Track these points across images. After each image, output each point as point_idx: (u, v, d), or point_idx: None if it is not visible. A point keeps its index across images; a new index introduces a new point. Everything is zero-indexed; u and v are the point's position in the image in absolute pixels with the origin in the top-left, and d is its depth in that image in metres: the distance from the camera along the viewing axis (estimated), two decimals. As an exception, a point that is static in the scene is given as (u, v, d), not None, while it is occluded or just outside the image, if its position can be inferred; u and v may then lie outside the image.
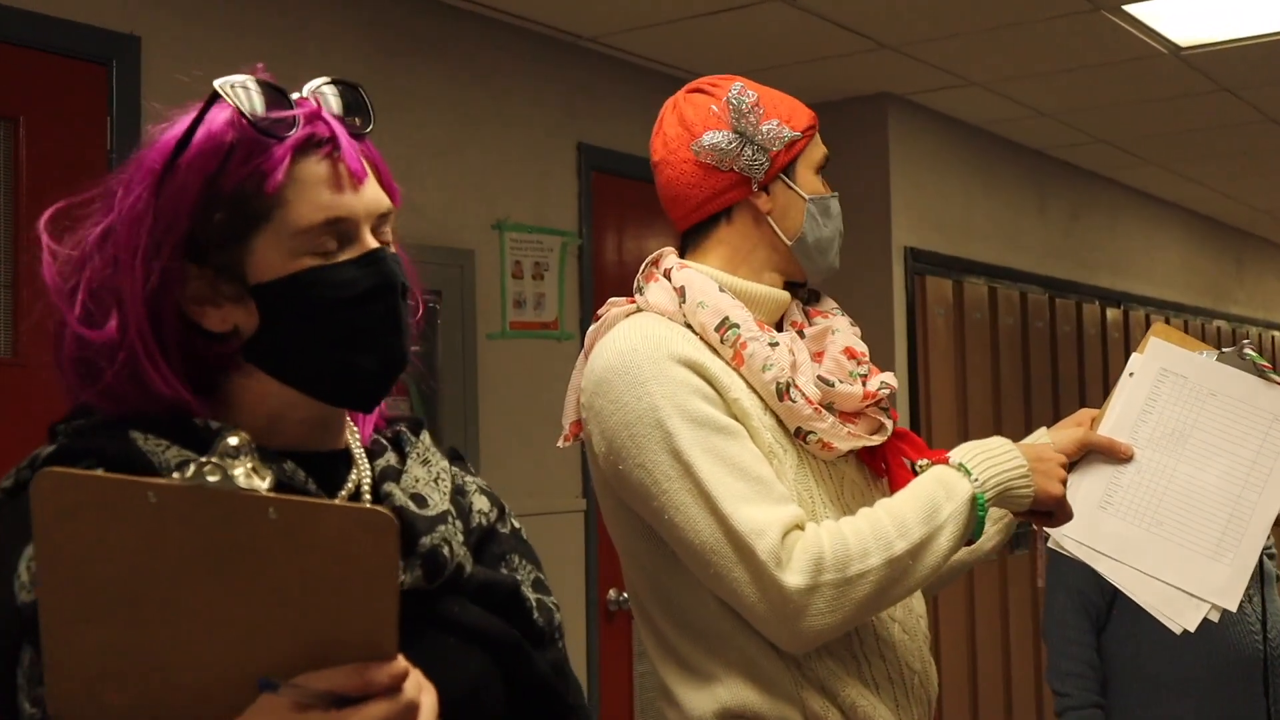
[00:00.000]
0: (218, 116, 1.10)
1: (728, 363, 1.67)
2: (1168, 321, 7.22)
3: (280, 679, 0.90)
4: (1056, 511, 1.70)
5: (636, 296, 1.76)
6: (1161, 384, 1.84)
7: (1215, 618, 1.73)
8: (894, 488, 1.70)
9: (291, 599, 0.90)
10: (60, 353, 1.12)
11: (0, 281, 2.79)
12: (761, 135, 1.72)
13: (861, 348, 1.78)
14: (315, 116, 1.12)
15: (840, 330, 1.79)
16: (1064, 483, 1.68)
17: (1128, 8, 4.03)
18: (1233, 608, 1.72)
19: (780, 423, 1.68)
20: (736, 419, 1.63)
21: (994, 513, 1.84)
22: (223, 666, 0.91)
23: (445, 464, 1.26)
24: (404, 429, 1.28)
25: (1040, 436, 1.84)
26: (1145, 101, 5.19)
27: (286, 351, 1.12)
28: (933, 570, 1.58)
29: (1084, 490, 1.78)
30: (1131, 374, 1.86)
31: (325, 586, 0.89)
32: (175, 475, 0.89)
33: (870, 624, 1.68)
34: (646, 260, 1.79)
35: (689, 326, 1.69)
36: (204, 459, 0.88)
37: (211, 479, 0.88)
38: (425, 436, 1.28)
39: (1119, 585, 1.77)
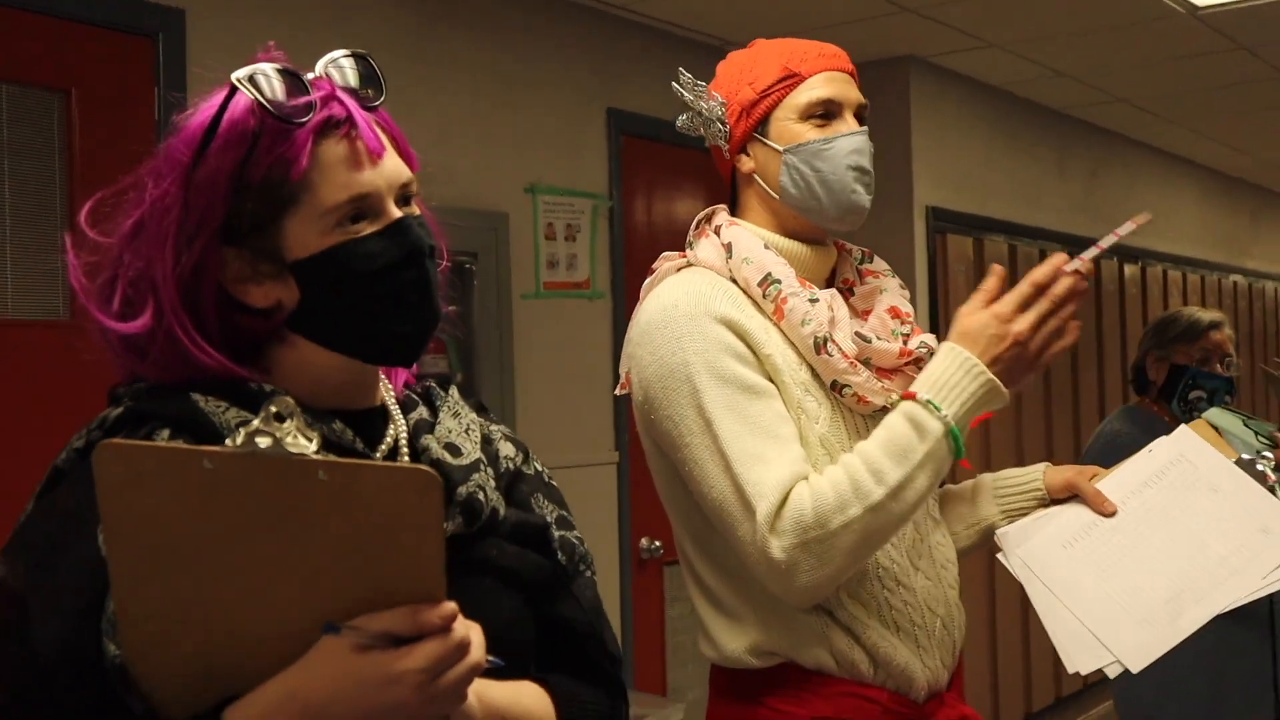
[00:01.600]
0: (239, 103, 1.13)
1: (768, 317, 1.73)
2: (1184, 279, 7.27)
3: (340, 622, 0.98)
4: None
5: (687, 251, 1.84)
6: (1173, 467, 1.84)
7: (1112, 674, 1.70)
8: None
9: (344, 551, 0.96)
10: (105, 339, 1.17)
11: (56, 247, 2.87)
12: (707, 110, 1.83)
13: (907, 308, 1.84)
14: (331, 97, 1.16)
15: (888, 290, 1.86)
16: (1020, 342, 1.67)
17: (1146, -32, 4.07)
18: (1133, 669, 1.68)
19: (817, 377, 1.73)
20: (769, 376, 1.69)
21: (1004, 502, 1.89)
22: (284, 613, 0.98)
23: (473, 415, 1.31)
24: (433, 384, 1.33)
25: (1037, 470, 1.88)
26: (1163, 61, 5.20)
27: (327, 321, 1.17)
28: (914, 505, 1.62)
29: (1053, 528, 1.79)
30: (1150, 451, 1.87)
31: (375, 539, 0.95)
32: (228, 442, 0.95)
33: (892, 569, 1.73)
34: (699, 216, 1.86)
35: (734, 281, 1.76)
36: (253, 426, 0.94)
37: (262, 444, 0.93)
38: (454, 390, 1.33)
39: (1036, 607, 1.75)
